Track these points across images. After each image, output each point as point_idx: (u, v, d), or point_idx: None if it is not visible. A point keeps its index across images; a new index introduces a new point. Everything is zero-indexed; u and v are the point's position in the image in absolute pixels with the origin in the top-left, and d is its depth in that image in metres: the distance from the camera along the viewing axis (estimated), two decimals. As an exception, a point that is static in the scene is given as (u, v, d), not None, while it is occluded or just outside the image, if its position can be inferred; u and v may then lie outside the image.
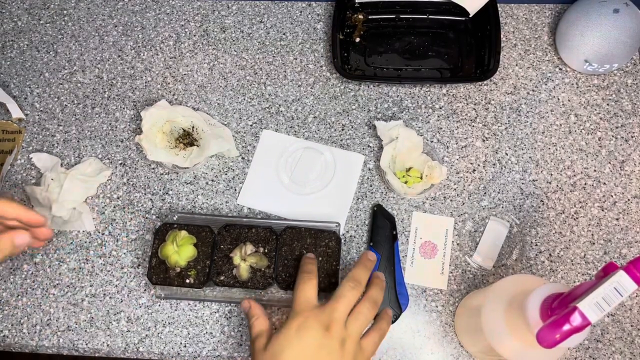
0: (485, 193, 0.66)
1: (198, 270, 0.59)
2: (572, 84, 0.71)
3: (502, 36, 0.72)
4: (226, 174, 0.68)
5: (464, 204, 0.65)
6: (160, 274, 0.58)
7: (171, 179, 0.68)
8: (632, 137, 0.68)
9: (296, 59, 0.74)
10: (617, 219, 0.64)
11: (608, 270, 0.39)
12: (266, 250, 0.59)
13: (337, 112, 0.71)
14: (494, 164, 0.67)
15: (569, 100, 0.70)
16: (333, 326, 0.48)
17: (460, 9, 0.74)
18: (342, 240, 0.64)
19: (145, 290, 0.63)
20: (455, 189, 0.66)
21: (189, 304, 0.62)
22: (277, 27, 0.76)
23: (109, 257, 0.64)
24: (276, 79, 0.73)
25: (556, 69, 0.72)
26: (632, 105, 0.70)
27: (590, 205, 0.65)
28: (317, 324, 0.48)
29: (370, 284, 0.53)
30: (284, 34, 0.76)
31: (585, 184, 0.66)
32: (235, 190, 0.67)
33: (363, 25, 0.76)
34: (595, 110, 0.70)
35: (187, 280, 0.58)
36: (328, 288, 0.57)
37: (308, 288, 0.52)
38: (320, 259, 0.59)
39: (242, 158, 0.69)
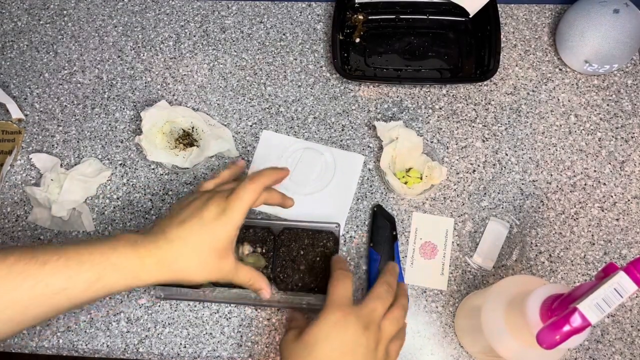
0: (485, 193, 0.66)
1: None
2: (572, 85, 0.71)
3: (502, 36, 0.72)
4: (226, 175, 0.68)
5: (463, 204, 0.65)
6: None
7: (171, 180, 0.68)
8: (632, 137, 0.68)
9: (296, 59, 0.74)
10: (617, 220, 0.64)
11: (608, 271, 0.39)
12: (264, 251, 0.59)
13: (337, 112, 0.71)
14: (494, 165, 0.67)
15: (569, 101, 0.70)
16: (371, 326, 0.47)
17: (460, 9, 0.74)
18: (342, 241, 0.64)
19: (144, 290, 0.63)
20: (455, 190, 0.66)
21: (189, 304, 0.62)
22: (277, 27, 0.76)
23: (109, 258, 0.64)
24: (276, 79, 0.73)
25: (556, 69, 0.72)
26: (632, 105, 0.70)
27: (590, 205, 0.65)
28: (357, 322, 0.47)
29: (399, 293, 0.52)
30: (283, 35, 0.76)
31: (585, 184, 0.66)
32: (235, 190, 0.67)
33: (363, 25, 0.76)
34: (595, 110, 0.70)
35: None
36: (325, 289, 0.57)
37: (344, 284, 0.50)
38: (317, 259, 0.59)
39: (242, 158, 0.69)
